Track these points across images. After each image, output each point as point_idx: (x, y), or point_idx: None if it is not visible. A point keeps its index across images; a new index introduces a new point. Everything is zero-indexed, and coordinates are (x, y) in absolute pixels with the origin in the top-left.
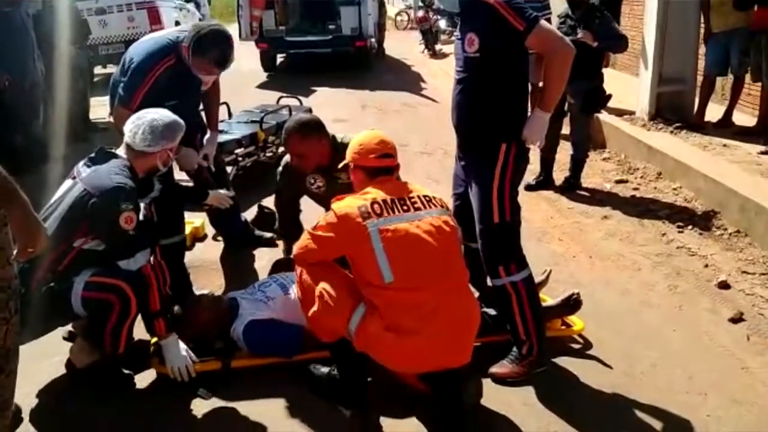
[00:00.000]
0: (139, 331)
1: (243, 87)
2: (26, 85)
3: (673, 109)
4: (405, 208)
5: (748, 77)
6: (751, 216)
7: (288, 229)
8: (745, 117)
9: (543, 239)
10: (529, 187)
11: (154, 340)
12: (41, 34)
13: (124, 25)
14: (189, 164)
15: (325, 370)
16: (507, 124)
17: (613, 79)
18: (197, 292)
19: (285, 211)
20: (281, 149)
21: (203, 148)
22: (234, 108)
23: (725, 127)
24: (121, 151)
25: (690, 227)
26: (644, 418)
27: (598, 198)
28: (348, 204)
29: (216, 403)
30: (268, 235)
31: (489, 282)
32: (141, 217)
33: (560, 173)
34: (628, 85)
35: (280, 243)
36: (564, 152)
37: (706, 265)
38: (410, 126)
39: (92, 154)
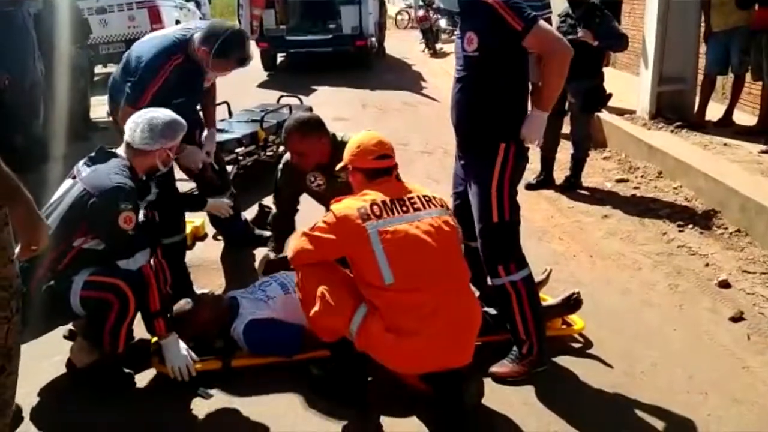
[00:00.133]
0: (140, 331)
1: (243, 86)
2: (26, 84)
3: (674, 108)
4: (404, 209)
5: (748, 76)
6: (752, 215)
7: (281, 227)
8: (745, 116)
9: (543, 238)
10: (530, 186)
11: (155, 339)
12: (42, 34)
13: (124, 25)
14: (193, 162)
15: (325, 368)
16: (506, 124)
17: (613, 78)
18: (198, 292)
19: (283, 209)
20: (282, 148)
21: (204, 146)
22: (234, 107)
23: (726, 126)
24: (121, 150)
25: (690, 226)
26: (645, 418)
27: (599, 197)
28: (347, 205)
29: (216, 402)
30: (268, 233)
31: (489, 281)
32: (142, 217)
33: (561, 172)
34: (629, 84)
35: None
36: (564, 151)
37: (707, 265)
38: (410, 125)
39: (92, 154)
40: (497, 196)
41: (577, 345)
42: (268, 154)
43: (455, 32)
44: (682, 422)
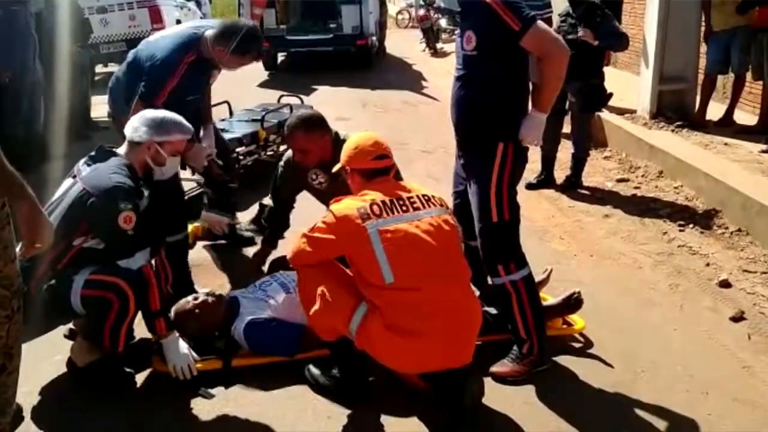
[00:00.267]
0: (141, 330)
1: (244, 86)
2: (26, 83)
3: (675, 107)
4: (404, 208)
5: (749, 76)
6: (752, 215)
7: (276, 222)
8: (746, 115)
9: (544, 238)
10: (531, 186)
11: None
12: (43, 33)
13: (125, 24)
14: (199, 160)
15: (326, 368)
16: (505, 123)
17: (614, 78)
18: (198, 291)
19: (280, 205)
20: (282, 148)
21: (202, 141)
22: (235, 106)
23: (726, 126)
24: (121, 149)
25: (691, 226)
26: (645, 417)
27: (599, 197)
28: (347, 206)
29: (216, 402)
30: (248, 234)
31: (489, 281)
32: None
33: (561, 172)
34: (629, 83)
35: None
36: (565, 151)
37: (708, 264)
38: (411, 124)
39: (92, 153)
40: (496, 195)
41: (577, 344)
42: (268, 153)
43: (456, 32)
44: (682, 421)
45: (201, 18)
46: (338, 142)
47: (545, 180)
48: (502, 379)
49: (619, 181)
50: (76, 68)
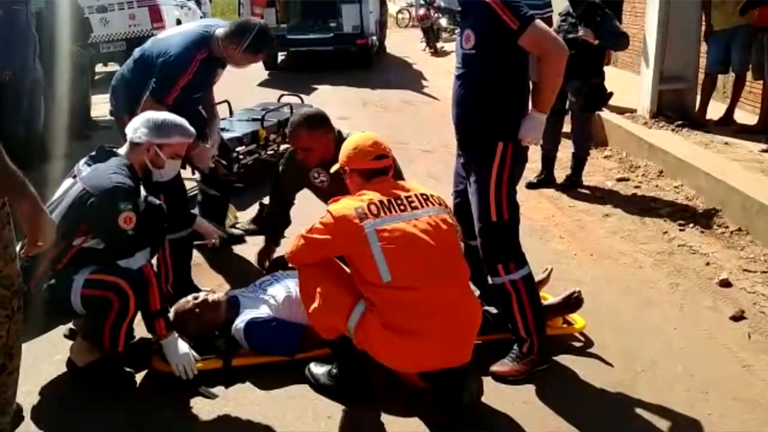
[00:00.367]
0: (141, 330)
1: (244, 85)
2: (26, 82)
3: (675, 106)
4: (402, 207)
5: (749, 75)
6: (753, 214)
7: (277, 220)
8: (746, 115)
9: (544, 237)
10: (531, 185)
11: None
12: (43, 32)
13: (125, 23)
14: (204, 161)
15: (326, 368)
16: (504, 122)
17: (614, 77)
18: (199, 290)
19: (280, 204)
20: (282, 147)
21: (209, 137)
22: (235, 106)
23: (726, 125)
24: (122, 150)
25: (691, 225)
26: (645, 416)
27: (600, 196)
28: (344, 205)
29: (216, 402)
30: (238, 232)
31: (489, 280)
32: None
33: (561, 171)
34: (630, 82)
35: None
36: (565, 150)
37: (708, 263)
38: (411, 124)
39: (93, 153)
40: (495, 195)
41: (577, 344)
42: (268, 152)
43: (456, 31)
44: (682, 421)
45: (201, 17)
46: (341, 140)
47: (545, 179)
48: (502, 378)
49: (620, 180)
50: (76, 68)
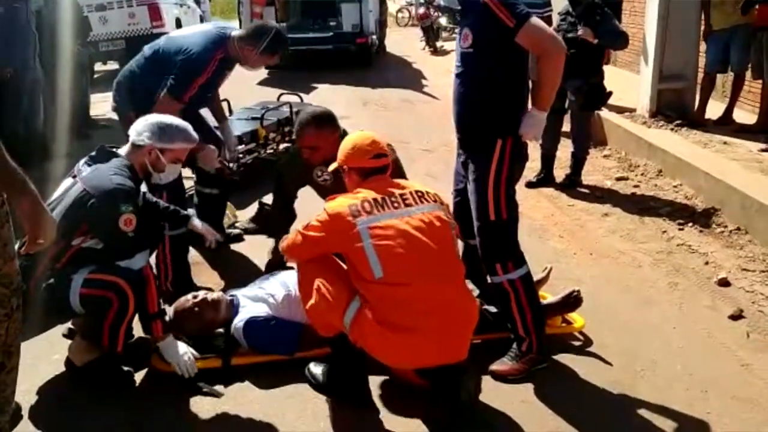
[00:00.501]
0: (140, 329)
1: (243, 84)
2: (27, 81)
3: (674, 106)
4: (395, 204)
5: (748, 74)
6: (752, 213)
7: (283, 218)
8: (745, 114)
9: (544, 236)
10: (530, 184)
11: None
12: (43, 31)
13: (124, 22)
14: (210, 162)
15: (325, 366)
16: (502, 121)
17: (613, 76)
18: (198, 289)
19: (283, 201)
20: (282, 146)
21: (225, 140)
22: (234, 105)
23: (726, 125)
24: (123, 150)
25: (690, 224)
26: (644, 415)
27: (599, 195)
28: (339, 203)
29: (216, 401)
30: (237, 231)
31: (488, 279)
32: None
33: (561, 170)
34: (629, 82)
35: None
36: (564, 149)
37: (707, 263)
38: (411, 123)
39: (93, 153)
40: (494, 194)
41: (576, 343)
42: (268, 151)
43: (456, 30)
44: (681, 420)
45: (200, 15)
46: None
47: (545, 178)
48: (501, 377)
49: (619, 179)
50: (76, 66)
